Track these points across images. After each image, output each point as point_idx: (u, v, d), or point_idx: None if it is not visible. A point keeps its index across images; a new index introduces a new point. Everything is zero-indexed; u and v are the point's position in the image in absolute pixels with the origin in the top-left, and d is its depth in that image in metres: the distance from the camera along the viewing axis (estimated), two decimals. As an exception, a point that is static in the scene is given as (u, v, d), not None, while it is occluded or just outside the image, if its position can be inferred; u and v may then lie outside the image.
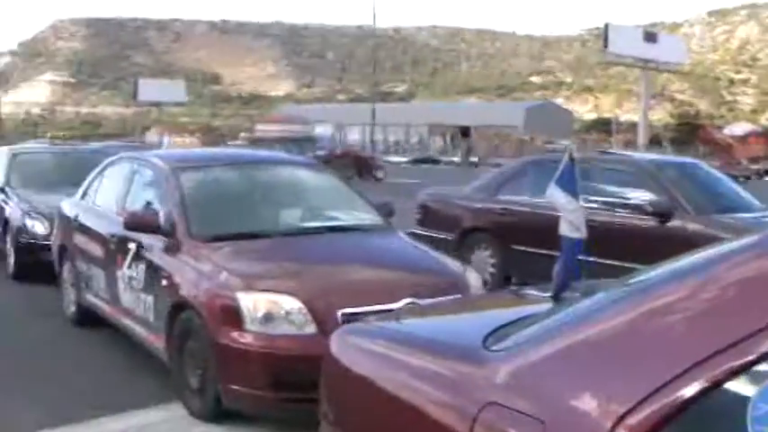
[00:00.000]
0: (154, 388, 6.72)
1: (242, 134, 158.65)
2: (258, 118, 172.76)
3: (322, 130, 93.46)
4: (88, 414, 6.14)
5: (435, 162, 77.08)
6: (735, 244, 2.31)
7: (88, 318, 8.61)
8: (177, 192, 6.95)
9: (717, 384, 1.82)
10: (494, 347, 2.63)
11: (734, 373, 1.81)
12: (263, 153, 9.36)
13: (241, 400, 5.60)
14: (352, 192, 7.95)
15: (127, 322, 7.32)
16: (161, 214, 6.82)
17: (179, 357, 6.19)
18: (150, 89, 74.91)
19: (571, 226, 3.80)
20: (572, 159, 3.81)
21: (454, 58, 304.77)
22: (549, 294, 3.46)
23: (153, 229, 6.73)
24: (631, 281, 2.64)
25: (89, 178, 9.23)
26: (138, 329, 7.03)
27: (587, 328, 2.37)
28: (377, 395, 2.89)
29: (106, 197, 8.46)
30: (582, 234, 3.78)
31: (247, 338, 5.48)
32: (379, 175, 41.65)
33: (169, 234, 6.63)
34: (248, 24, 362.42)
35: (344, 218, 7.45)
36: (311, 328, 5.48)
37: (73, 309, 8.95)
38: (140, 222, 6.83)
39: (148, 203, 7.38)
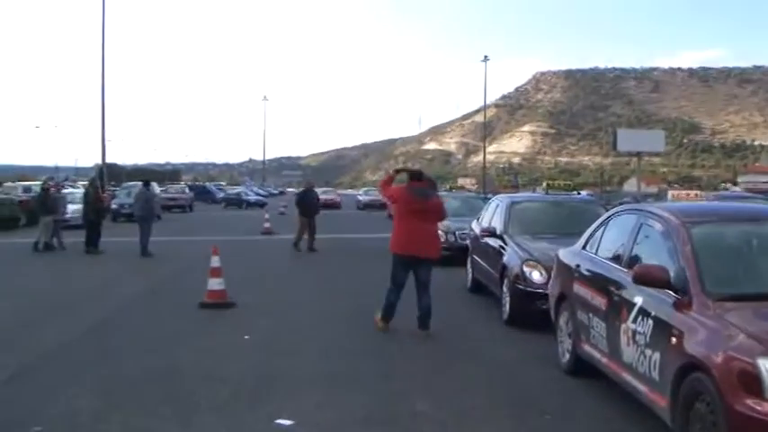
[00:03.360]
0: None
1: (722, 185, 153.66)
2: (742, 168, 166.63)
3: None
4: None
5: None
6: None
7: (583, 368, 8.62)
8: (689, 247, 6.71)
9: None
10: None
11: None
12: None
13: (754, 472, 5.22)
14: None
15: (626, 377, 7.19)
16: (671, 269, 6.64)
17: (684, 420, 5.94)
18: (629, 139, 74.15)
19: None
20: None
21: None
22: None
23: (663, 284, 6.57)
24: None
25: (591, 228, 9.28)
26: (639, 386, 6.86)
27: None
28: None
29: (609, 248, 8.43)
30: None
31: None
32: None
33: (680, 291, 6.43)
34: (730, 71, 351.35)
35: None
36: None
37: (567, 357, 9.02)
38: (650, 277, 6.68)
39: (656, 257, 7.21)
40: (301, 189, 29.68)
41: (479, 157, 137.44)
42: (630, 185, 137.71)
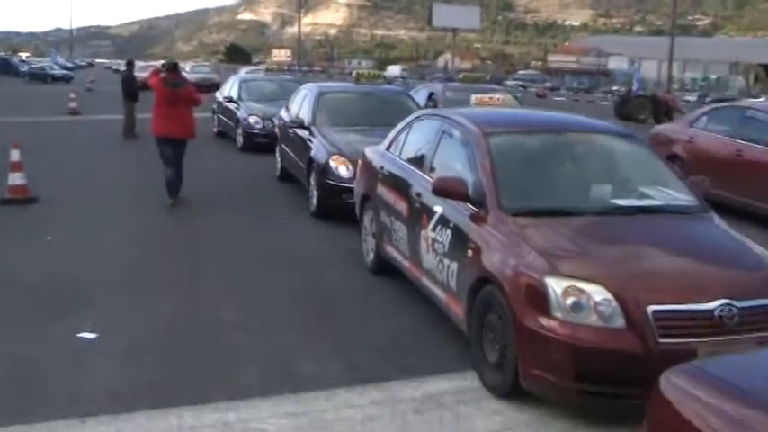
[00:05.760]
0: (448, 354, 6.73)
1: (533, 63, 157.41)
2: (552, 48, 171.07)
3: (616, 64, 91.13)
4: (380, 373, 6.26)
5: (736, 103, 73.25)
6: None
7: (386, 267, 8.74)
8: (487, 160, 6.76)
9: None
10: None
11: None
12: (573, 118, 8.90)
13: (540, 384, 5.46)
14: (665, 166, 7.51)
15: (426, 282, 7.33)
16: (469, 182, 6.72)
17: (478, 329, 6.12)
18: (445, 14, 74.56)
19: None
20: None
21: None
22: None
23: (461, 197, 6.64)
24: None
25: (395, 130, 9.29)
26: (438, 293, 7.01)
27: None
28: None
29: (413, 154, 8.45)
30: None
31: (553, 325, 5.29)
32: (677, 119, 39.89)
33: (478, 203, 6.51)
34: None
35: (658, 197, 6.93)
36: (620, 322, 5.22)
37: (372, 256, 9.12)
38: (448, 189, 6.72)
39: (457, 167, 7.27)
40: (124, 69, 26.70)
41: (295, 29, 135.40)
42: (445, 60, 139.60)
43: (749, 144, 12.95)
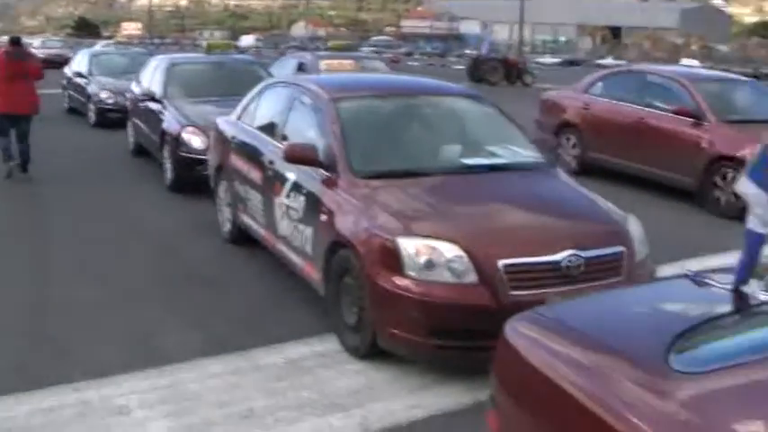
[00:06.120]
0: (307, 319, 6.77)
1: (387, 28, 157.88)
2: (405, 13, 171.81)
3: (469, 28, 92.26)
4: (242, 342, 6.26)
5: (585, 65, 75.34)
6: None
7: (243, 236, 8.72)
8: (337, 124, 6.81)
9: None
10: (677, 366, 2.71)
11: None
12: (423, 81, 9.04)
13: (397, 343, 5.57)
14: (513, 125, 7.70)
15: (283, 249, 7.34)
16: (320, 146, 6.76)
17: (335, 293, 6.19)
18: (298, -17, 74.22)
19: (760, 221, 3.83)
20: None
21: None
22: (729, 288, 3.53)
23: (312, 162, 6.67)
24: None
25: (246, 100, 9.21)
26: (295, 259, 7.05)
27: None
28: (547, 390, 2.95)
29: (264, 122, 8.40)
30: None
31: (407, 284, 5.40)
32: (528, 80, 40.81)
33: (329, 168, 6.55)
34: None
35: (505, 155, 7.13)
36: (472, 278, 5.36)
37: (228, 227, 9.07)
38: (299, 155, 6.74)
39: (308, 133, 7.28)
40: None
41: (144, 0, 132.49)
42: (299, 29, 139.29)
43: (650, 110, 12.73)
